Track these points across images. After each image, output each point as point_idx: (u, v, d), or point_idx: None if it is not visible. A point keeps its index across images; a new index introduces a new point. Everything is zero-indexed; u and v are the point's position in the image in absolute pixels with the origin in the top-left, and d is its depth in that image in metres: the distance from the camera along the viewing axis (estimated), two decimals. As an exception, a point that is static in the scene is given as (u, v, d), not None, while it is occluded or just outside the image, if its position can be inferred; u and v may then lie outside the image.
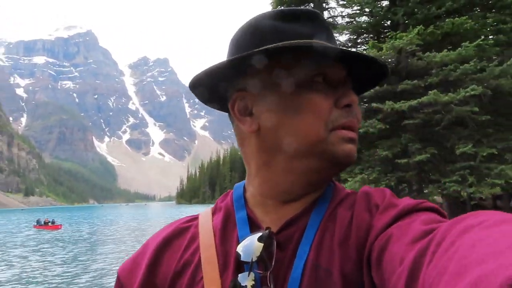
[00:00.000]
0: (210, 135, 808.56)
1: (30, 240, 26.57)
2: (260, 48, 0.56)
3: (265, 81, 0.61)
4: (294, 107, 0.59)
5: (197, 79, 0.62)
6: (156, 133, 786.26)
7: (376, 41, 13.49)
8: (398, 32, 12.52)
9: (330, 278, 0.53)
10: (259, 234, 0.58)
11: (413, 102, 11.83)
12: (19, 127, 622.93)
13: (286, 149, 0.60)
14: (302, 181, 0.61)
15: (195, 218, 0.70)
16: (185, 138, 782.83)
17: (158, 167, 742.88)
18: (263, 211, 0.64)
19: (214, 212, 0.69)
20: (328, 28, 0.61)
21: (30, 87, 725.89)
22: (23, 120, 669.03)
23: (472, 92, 10.68)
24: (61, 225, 41.13)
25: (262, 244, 0.57)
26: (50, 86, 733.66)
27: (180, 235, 0.67)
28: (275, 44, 0.58)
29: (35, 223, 43.10)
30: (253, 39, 0.61)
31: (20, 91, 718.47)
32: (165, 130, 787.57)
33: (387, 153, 12.74)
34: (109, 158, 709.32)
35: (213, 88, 0.65)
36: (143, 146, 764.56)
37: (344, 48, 0.56)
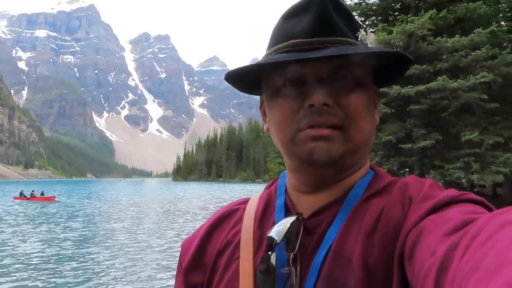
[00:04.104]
0: (208, 113, 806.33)
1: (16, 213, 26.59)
2: (229, 71, 0.65)
3: (264, 88, 0.67)
4: (271, 111, 0.64)
5: (235, 73, 0.65)
6: (154, 109, 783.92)
7: (385, 24, 13.27)
8: (409, 15, 12.29)
9: (350, 267, 0.54)
10: (291, 219, 0.61)
11: (421, 87, 11.71)
12: (20, 100, 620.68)
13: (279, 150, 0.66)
14: (304, 178, 0.64)
15: (246, 201, 0.76)
16: (183, 115, 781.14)
17: (156, 144, 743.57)
18: (298, 198, 0.66)
19: (261, 197, 0.74)
20: (326, 15, 0.59)
21: (32, 61, 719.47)
22: (24, 93, 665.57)
23: (483, 79, 10.56)
24: (54, 196, 39.43)
25: (288, 227, 0.60)
26: (51, 60, 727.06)
27: (229, 217, 0.74)
28: (232, 70, 0.65)
29: (18, 195, 40.43)
30: (269, 40, 0.66)
31: (21, 64, 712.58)
32: (163, 107, 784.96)
33: (390, 138, 12.68)
34: (108, 133, 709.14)
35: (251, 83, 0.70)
36: (142, 122, 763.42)
37: (292, 58, 0.58)
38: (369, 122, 0.62)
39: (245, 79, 0.68)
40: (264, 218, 0.68)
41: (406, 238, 0.50)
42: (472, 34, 11.22)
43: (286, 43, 0.60)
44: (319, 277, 0.57)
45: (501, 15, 12.82)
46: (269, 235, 0.60)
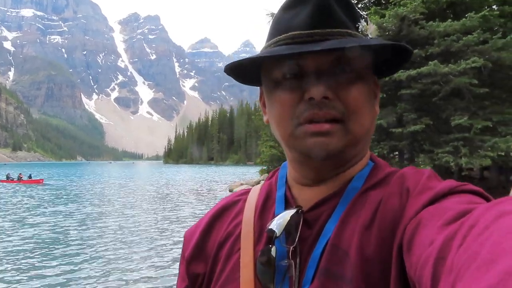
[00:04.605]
0: (200, 95, 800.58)
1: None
2: (228, 64, 0.64)
3: (263, 80, 0.67)
4: (271, 104, 0.64)
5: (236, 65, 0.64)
6: (145, 91, 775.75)
7: (378, 7, 13.21)
8: (402, -1, 12.24)
9: (347, 260, 0.55)
10: (291, 212, 0.62)
11: (412, 72, 11.75)
12: (7, 82, 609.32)
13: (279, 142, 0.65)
14: (305, 171, 0.65)
15: (246, 192, 0.76)
16: (174, 98, 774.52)
17: (146, 126, 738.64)
18: (299, 190, 0.67)
19: (262, 188, 0.74)
20: (326, 6, 0.59)
21: (18, 41, 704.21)
22: (11, 74, 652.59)
23: (473, 64, 10.62)
24: (42, 179, 39.24)
25: (288, 220, 0.60)
26: (38, 41, 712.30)
27: (230, 208, 0.74)
28: (231, 62, 0.63)
29: (5, 178, 40.31)
30: (269, 31, 0.65)
31: (7, 44, 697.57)
32: (154, 89, 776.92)
33: (381, 122, 12.77)
34: (97, 116, 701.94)
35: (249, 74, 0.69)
36: (132, 105, 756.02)
37: (294, 50, 0.56)
38: (369, 114, 0.62)
39: (245, 71, 0.68)
40: (265, 210, 0.69)
41: (404, 230, 0.50)
42: (464, 19, 11.22)
43: (285, 35, 0.60)
44: (317, 270, 0.57)
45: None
46: (269, 227, 0.61)
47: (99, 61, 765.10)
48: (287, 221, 0.60)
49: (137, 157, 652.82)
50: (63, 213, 16.88)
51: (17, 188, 32.17)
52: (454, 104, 12.16)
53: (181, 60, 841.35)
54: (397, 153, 14.85)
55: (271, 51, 0.59)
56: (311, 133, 0.58)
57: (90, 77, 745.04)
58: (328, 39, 0.57)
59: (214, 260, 0.69)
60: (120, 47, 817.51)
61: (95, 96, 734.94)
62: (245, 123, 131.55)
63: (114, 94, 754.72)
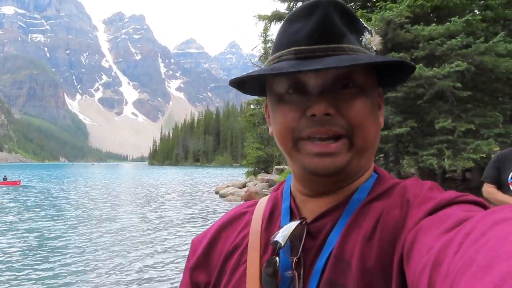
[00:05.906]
0: (185, 96, 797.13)
1: None
2: (232, 79, 0.66)
3: (268, 93, 0.68)
4: (274, 117, 0.64)
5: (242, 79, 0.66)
6: (129, 92, 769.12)
7: (364, 11, 13.33)
8: (387, 2, 12.38)
9: (349, 271, 0.55)
10: (295, 223, 0.63)
11: (398, 75, 11.85)
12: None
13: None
14: (308, 184, 0.65)
15: (254, 204, 0.77)
16: (159, 98, 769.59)
17: (131, 127, 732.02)
18: (303, 202, 0.68)
19: (268, 200, 0.75)
20: (328, 21, 0.59)
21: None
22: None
23: (457, 68, 10.80)
24: (19, 181, 38.15)
25: (291, 232, 0.61)
26: (19, 39, 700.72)
27: (237, 219, 0.75)
28: (234, 78, 0.65)
29: None
30: (274, 42, 0.66)
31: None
32: (139, 90, 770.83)
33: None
34: (81, 116, 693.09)
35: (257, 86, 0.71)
36: (116, 105, 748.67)
37: (292, 69, 0.56)
38: (372, 127, 0.62)
39: (250, 84, 0.70)
40: (271, 222, 0.70)
41: (405, 241, 0.51)
42: (448, 23, 11.42)
43: (288, 50, 0.61)
44: (320, 280, 0.58)
45: (474, 4, 13.06)
46: (274, 239, 0.61)
47: (83, 60, 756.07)
48: (291, 232, 0.61)
49: (122, 158, 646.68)
50: (39, 218, 15.94)
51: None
52: (438, 107, 12.33)
53: (167, 61, 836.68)
54: (382, 155, 14.99)
55: (273, 68, 0.59)
56: (316, 153, 0.58)
57: (74, 77, 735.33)
58: (329, 55, 0.58)
59: (220, 271, 0.70)
60: (104, 47, 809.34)
61: (78, 97, 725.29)
62: (231, 125, 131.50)
63: (98, 95, 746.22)
